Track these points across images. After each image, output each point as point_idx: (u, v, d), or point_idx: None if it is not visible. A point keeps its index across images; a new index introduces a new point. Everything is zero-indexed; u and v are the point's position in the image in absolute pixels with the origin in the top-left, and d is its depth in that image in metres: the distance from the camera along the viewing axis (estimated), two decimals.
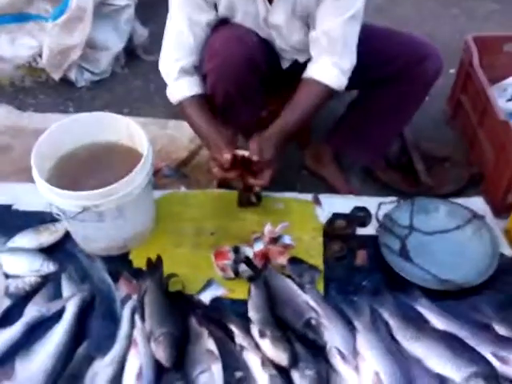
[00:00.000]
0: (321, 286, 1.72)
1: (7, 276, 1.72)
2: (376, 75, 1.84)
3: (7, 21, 2.64)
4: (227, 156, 1.67)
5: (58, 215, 1.70)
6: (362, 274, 1.78)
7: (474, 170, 2.20)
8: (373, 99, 1.93)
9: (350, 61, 1.71)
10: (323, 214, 1.96)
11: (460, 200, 2.00)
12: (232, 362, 1.43)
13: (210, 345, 1.45)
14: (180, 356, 1.42)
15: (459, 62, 2.39)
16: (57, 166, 1.80)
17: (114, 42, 2.81)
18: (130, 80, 2.87)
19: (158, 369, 1.42)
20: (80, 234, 1.78)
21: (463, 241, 1.88)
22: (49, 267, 1.74)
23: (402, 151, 2.29)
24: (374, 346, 1.45)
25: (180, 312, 1.58)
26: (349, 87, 1.76)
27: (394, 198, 2.02)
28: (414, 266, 1.79)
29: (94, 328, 1.54)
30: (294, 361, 1.41)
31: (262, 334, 1.47)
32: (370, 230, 1.92)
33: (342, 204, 1.99)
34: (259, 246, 1.80)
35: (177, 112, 1.96)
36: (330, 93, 1.73)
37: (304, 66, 1.80)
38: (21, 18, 2.65)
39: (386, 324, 1.57)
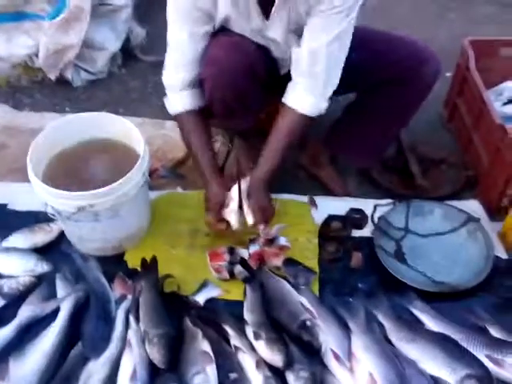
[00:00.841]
0: (316, 288, 1.72)
1: (1, 276, 1.72)
2: (374, 79, 1.85)
3: (4, 19, 2.63)
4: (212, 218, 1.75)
5: (53, 215, 1.69)
6: (357, 275, 1.78)
7: (470, 172, 2.21)
8: (370, 102, 1.93)
9: (330, 85, 1.68)
10: (319, 215, 1.96)
11: (455, 203, 2.00)
12: (227, 364, 1.42)
13: (205, 346, 1.45)
14: (174, 357, 1.42)
15: (456, 66, 2.40)
16: (52, 165, 1.79)
17: (111, 41, 2.81)
18: (127, 80, 2.87)
19: (153, 370, 1.42)
20: (75, 234, 1.77)
21: (458, 243, 1.88)
22: (43, 267, 1.73)
23: (398, 153, 2.30)
24: (369, 347, 1.45)
25: (175, 313, 1.58)
26: (346, 91, 1.76)
27: (389, 201, 2.02)
28: (409, 268, 1.79)
29: (88, 328, 1.53)
30: (289, 362, 1.40)
31: (257, 336, 1.47)
32: (365, 232, 1.92)
33: (338, 206, 1.99)
34: (255, 248, 1.80)
35: None
36: (308, 121, 1.73)
37: None
38: (18, 16, 2.64)
39: (381, 326, 1.57)
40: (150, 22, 2.97)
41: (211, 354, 1.43)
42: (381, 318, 1.60)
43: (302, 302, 1.58)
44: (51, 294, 1.67)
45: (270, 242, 1.82)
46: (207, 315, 1.61)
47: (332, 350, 1.46)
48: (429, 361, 1.44)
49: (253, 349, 1.47)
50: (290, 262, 1.76)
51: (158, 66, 2.81)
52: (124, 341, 1.50)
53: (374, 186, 2.21)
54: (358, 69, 1.71)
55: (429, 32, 2.99)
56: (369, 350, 1.44)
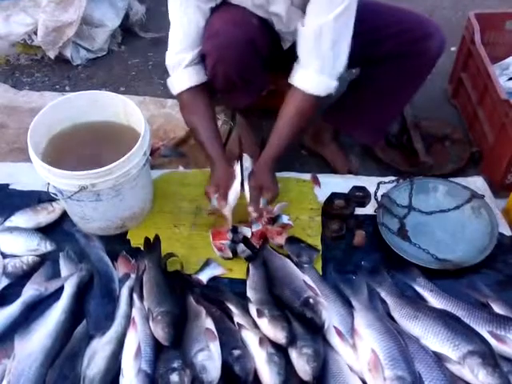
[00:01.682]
0: (319, 266, 1.73)
1: (4, 255, 1.73)
2: (378, 52, 1.81)
3: None
4: (227, 213, 1.73)
5: (55, 195, 1.69)
6: (360, 253, 1.78)
7: (474, 149, 2.19)
8: (374, 77, 1.90)
9: (338, 62, 1.65)
10: (322, 193, 1.95)
11: (459, 179, 1.99)
12: (230, 341, 1.43)
13: (209, 323, 1.46)
14: (178, 334, 1.43)
15: (461, 40, 2.36)
16: (53, 145, 1.79)
17: (110, 18, 2.77)
18: (127, 58, 2.84)
19: (157, 347, 1.43)
20: (77, 213, 1.77)
21: (462, 220, 1.87)
22: (46, 246, 1.74)
23: (401, 130, 2.27)
24: (372, 324, 1.45)
25: (178, 291, 1.59)
26: (350, 65, 1.73)
27: (393, 178, 2.01)
28: (412, 245, 1.79)
29: (92, 307, 1.54)
30: (292, 339, 1.41)
31: (260, 313, 1.48)
32: (368, 209, 1.91)
33: (341, 183, 1.98)
34: (257, 226, 1.80)
35: None
36: (316, 101, 1.70)
37: None
38: None
39: (384, 303, 1.58)
40: None
41: (215, 331, 1.43)
42: (384, 295, 1.60)
43: (305, 279, 1.58)
44: (55, 273, 1.68)
45: (273, 220, 1.82)
46: (210, 293, 1.61)
47: (335, 327, 1.47)
48: (431, 337, 1.44)
49: (256, 326, 1.48)
50: (292, 241, 1.76)
51: (158, 42, 2.81)
52: (128, 319, 1.51)
53: (377, 164, 2.19)
54: (361, 42, 1.67)
55: (433, 5, 2.94)
56: (371, 327, 1.44)
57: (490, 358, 1.35)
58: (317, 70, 1.64)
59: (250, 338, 1.45)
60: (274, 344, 1.42)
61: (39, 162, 1.61)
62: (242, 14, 1.67)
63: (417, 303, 1.57)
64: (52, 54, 2.70)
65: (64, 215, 1.85)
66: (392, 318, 1.54)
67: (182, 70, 1.73)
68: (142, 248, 1.74)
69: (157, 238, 1.75)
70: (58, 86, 2.65)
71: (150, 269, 1.63)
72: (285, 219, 1.83)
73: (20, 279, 1.66)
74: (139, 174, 1.69)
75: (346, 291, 1.60)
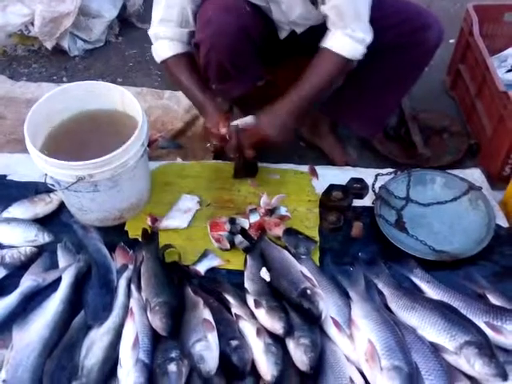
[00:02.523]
0: (316, 257, 1.73)
1: (2, 246, 1.72)
2: (375, 44, 1.81)
3: None
4: (223, 130, 1.67)
5: (53, 186, 1.69)
6: (357, 245, 1.78)
7: (472, 141, 2.19)
8: (372, 69, 1.90)
9: (363, 30, 1.66)
10: (319, 185, 1.95)
11: (457, 171, 1.99)
12: (228, 331, 1.43)
13: (206, 314, 1.46)
14: (176, 325, 1.43)
15: (459, 31, 2.35)
16: (50, 135, 1.78)
17: (107, 9, 2.76)
18: (125, 49, 2.83)
19: (155, 338, 1.43)
20: (75, 204, 1.77)
21: (459, 212, 1.88)
22: (44, 237, 1.73)
23: (399, 122, 2.27)
24: (369, 315, 1.46)
25: (176, 282, 1.59)
26: None
27: (390, 170, 2.01)
28: (409, 237, 1.79)
29: (90, 298, 1.54)
30: (289, 330, 1.42)
31: (258, 304, 1.48)
32: (366, 201, 1.91)
33: (339, 175, 1.98)
34: (255, 218, 1.80)
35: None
36: (344, 63, 1.69)
37: (302, 36, 1.77)
38: None
39: (381, 294, 1.58)
40: None
41: (212, 321, 1.44)
42: (381, 286, 1.61)
43: (303, 270, 1.59)
44: (53, 264, 1.68)
45: (271, 211, 1.83)
46: (208, 284, 1.62)
47: (332, 318, 1.47)
48: (428, 328, 1.45)
49: (253, 317, 1.48)
50: (290, 232, 1.76)
51: None
52: (126, 309, 1.52)
53: (375, 156, 2.19)
54: None
55: None
56: (368, 318, 1.44)
57: (486, 348, 1.35)
58: (342, 35, 1.65)
59: (247, 328, 1.45)
60: (272, 334, 1.42)
61: (36, 153, 1.60)
62: (233, 1, 1.67)
63: (414, 294, 1.58)
64: (49, 45, 2.69)
65: (62, 206, 1.85)
66: (389, 309, 1.54)
67: (168, 40, 1.77)
68: (140, 239, 1.75)
69: (154, 229, 1.75)
70: (55, 77, 2.64)
71: (148, 260, 1.63)
72: (283, 211, 1.83)
73: (18, 270, 1.65)
74: (137, 165, 1.69)
75: (343, 282, 1.61)
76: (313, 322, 1.45)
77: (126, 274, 1.62)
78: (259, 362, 1.37)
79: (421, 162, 2.10)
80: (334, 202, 1.86)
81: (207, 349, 1.35)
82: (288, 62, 2.03)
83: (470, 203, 1.88)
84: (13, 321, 1.48)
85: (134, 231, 1.79)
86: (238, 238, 1.73)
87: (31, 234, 1.73)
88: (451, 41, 2.48)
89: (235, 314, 1.50)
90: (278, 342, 1.41)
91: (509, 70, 2.26)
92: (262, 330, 1.43)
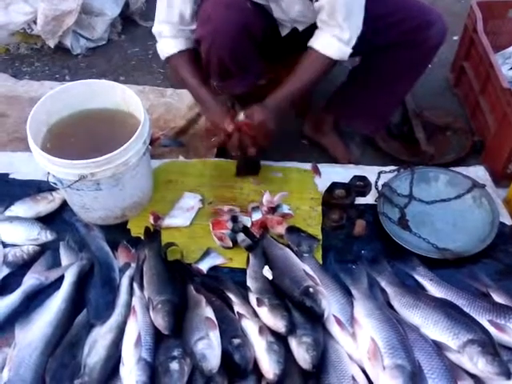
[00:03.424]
0: (319, 255, 1.72)
1: (5, 245, 1.73)
2: (379, 41, 1.80)
3: None
4: (230, 126, 1.69)
5: (55, 184, 1.69)
6: (360, 243, 1.78)
7: (476, 138, 2.18)
8: (375, 66, 1.89)
9: (353, 30, 1.66)
10: (322, 183, 1.94)
11: (461, 169, 1.98)
12: (230, 330, 1.43)
13: (208, 312, 1.46)
14: (178, 323, 1.43)
15: (463, 28, 2.34)
16: (53, 134, 1.78)
17: (109, 7, 2.76)
18: (127, 47, 2.83)
19: (157, 336, 1.43)
20: (77, 203, 1.77)
21: (463, 210, 1.87)
22: (46, 236, 1.74)
23: (402, 120, 2.26)
24: (371, 313, 1.45)
25: (178, 280, 1.59)
26: (351, 53, 1.73)
27: (393, 167, 2.00)
28: (412, 234, 1.78)
29: (93, 296, 1.54)
30: (292, 328, 1.41)
31: (260, 303, 1.48)
32: (369, 199, 1.91)
33: (342, 173, 1.98)
34: (257, 216, 1.80)
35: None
36: (330, 63, 1.70)
37: (304, 34, 1.76)
38: None
39: (384, 292, 1.58)
40: None
41: (215, 320, 1.43)
42: (384, 284, 1.60)
43: (305, 269, 1.58)
44: (55, 263, 1.68)
45: (273, 209, 1.82)
46: (210, 283, 1.62)
47: (334, 316, 1.47)
48: (431, 326, 1.44)
49: (256, 315, 1.48)
50: (292, 230, 1.75)
51: None
52: (128, 308, 1.52)
53: (379, 153, 2.18)
54: (362, 30, 1.66)
55: None
56: (371, 316, 1.44)
57: (489, 346, 1.35)
58: (334, 36, 1.66)
59: (249, 326, 1.45)
60: (274, 333, 1.42)
61: (38, 151, 1.60)
62: None
63: (417, 292, 1.57)
64: (52, 43, 2.69)
65: (64, 205, 1.85)
66: (392, 308, 1.54)
67: (172, 38, 1.77)
68: (142, 237, 1.75)
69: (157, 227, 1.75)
70: (57, 76, 2.64)
71: (150, 258, 1.63)
72: (285, 209, 1.83)
73: (20, 268, 1.66)
74: (139, 163, 1.69)
75: (345, 280, 1.60)
76: (315, 320, 1.44)
77: (128, 273, 1.62)
78: (261, 361, 1.36)
79: (424, 160, 2.09)
80: (337, 199, 1.86)
81: (209, 347, 1.34)
82: (290, 60, 2.02)
83: (473, 201, 1.87)
84: (15, 319, 1.49)
85: (137, 229, 1.79)
86: (241, 236, 1.73)
87: (34, 233, 1.74)
88: (455, 38, 2.47)
89: (237, 312, 1.50)
90: (280, 340, 1.41)
91: None
92: (264, 329, 1.43)
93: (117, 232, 1.80)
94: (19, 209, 1.82)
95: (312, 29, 1.74)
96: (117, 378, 1.35)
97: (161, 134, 2.18)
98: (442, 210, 1.88)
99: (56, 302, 1.52)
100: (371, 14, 1.71)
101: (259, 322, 1.45)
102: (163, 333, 1.42)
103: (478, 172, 1.99)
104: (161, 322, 1.43)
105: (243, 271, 1.64)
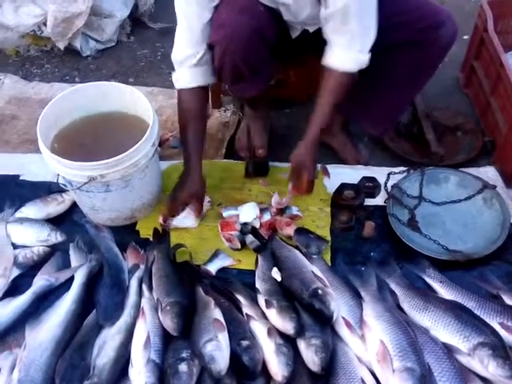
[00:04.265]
0: (328, 257, 1.72)
1: (15, 246, 1.74)
2: (388, 41, 1.78)
3: None
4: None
5: (65, 186, 1.70)
6: (369, 244, 1.77)
7: (486, 138, 2.16)
8: (385, 66, 1.87)
9: (368, 36, 1.63)
10: (331, 184, 1.94)
11: (471, 170, 1.97)
12: (238, 331, 1.43)
13: (217, 314, 1.46)
14: (187, 325, 1.43)
15: (473, 28, 2.32)
16: (63, 136, 1.79)
17: (119, 8, 2.77)
18: (136, 49, 2.84)
19: (166, 337, 1.44)
20: (87, 204, 1.78)
21: (473, 211, 1.85)
22: (56, 237, 1.75)
23: (412, 120, 2.25)
24: (380, 315, 1.44)
25: (187, 282, 1.59)
26: None
27: (403, 168, 1.99)
28: (422, 236, 1.77)
29: (102, 297, 1.55)
30: (300, 330, 1.41)
31: (269, 304, 1.48)
32: (378, 200, 1.90)
33: (351, 174, 1.97)
34: (266, 217, 1.80)
35: None
36: (351, 78, 1.68)
37: (314, 35, 1.75)
38: None
39: (393, 294, 1.57)
40: None
41: (223, 321, 1.43)
42: (393, 286, 1.59)
43: (314, 270, 1.58)
44: (65, 264, 1.69)
45: (282, 211, 1.82)
46: (219, 284, 1.62)
47: (343, 318, 1.46)
48: (441, 329, 1.43)
49: (264, 317, 1.48)
50: (301, 231, 1.75)
51: (167, 33, 2.80)
52: (137, 309, 1.52)
53: (388, 154, 2.17)
54: None
55: None
56: (380, 318, 1.43)
57: (500, 349, 1.34)
58: (347, 47, 1.63)
59: (258, 328, 1.45)
60: (283, 335, 1.42)
61: (48, 153, 1.62)
62: (247, 3, 1.65)
63: (426, 294, 1.56)
64: (61, 45, 2.71)
65: (74, 206, 1.86)
66: (401, 310, 1.53)
67: (188, 69, 1.72)
68: (151, 239, 1.75)
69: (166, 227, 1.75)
70: (67, 78, 2.66)
71: (159, 259, 1.64)
72: (294, 210, 1.82)
73: (31, 269, 1.67)
74: (148, 164, 1.69)
75: (354, 282, 1.60)
76: (324, 322, 1.44)
77: (137, 274, 1.63)
78: (270, 363, 1.36)
79: (434, 161, 2.07)
80: (346, 201, 1.85)
81: (218, 349, 1.34)
82: (300, 61, 2.02)
83: (484, 202, 1.86)
84: (26, 320, 1.50)
85: (146, 231, 1.80)
86: (249, 238, 1.73)
87: (44, 234, 1.75)
88: (465, 37, 2.45)
89: (246, 314, 1.50)
90: (289, 342, 1.41)
91: None
92: (272, 331, 1.43)
93: (126, 233, 1.81)
94: (29, 210, 1.83)
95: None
96: (126, 379, 1.36)
97: (170, 135, 2.19)
98: (452, 211, 1.86)
99: (66, 303, 1.53)
100: (381, 13, 1.70)
101: (268, 324, 1.45)
102: (172, 334, 1.42)
103: (489, 173, 1.97)
104: (169, 323, 1.43)
105: (252, 273, 1.64)
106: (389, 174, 1.97)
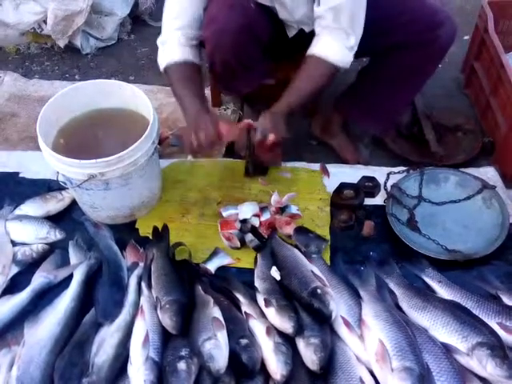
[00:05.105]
0: (327, 256, 1.72)
1: (14, 243, 1.74)
2: (387, 41, 1.79)
3: None
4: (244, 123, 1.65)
5: (64, 183, 1.70)
6: (368, 244, 1.77)
7: (486, 139, 2.16)
8: (384, 66, 1.88)
9: (356, 35, 1.64)
10: (331, 183, 1.94)
11: (471, 170, 1.97)
12: (237, 330, 1.43)
13: (216, 313, 1.46)
14: (186, 323, 1.43)
15: (474, 28, 2.32)
16: (62, 133, 1.79)
17: (119, 6, 2.76)
18: (137, 47, 2.84)
19: (165, 336, 1.44)
20: (86, 202, 1.78)
21: (473, 211, 1.85)
22: (56, 235, 1.75)
23: (412, 120, 2.25)
24: (379, 315, 1.44)
25: (186, 280, 1.59)
26: (360, 54, 1.72)
27: (403, 168, 1.99)
28: (421, 236, 1.77)
29: (101, 295, 1.55)
30: (299, 329, 1.41)
31: (268, 303, 1.48)
32: (378, 200, 1.90)
33: (351, 173, 1.97)
34: (266, 216, 1.80)
35: None
36: (334, 70, 1.67)
37: (311, 34, 1.75)
38: None
39: (392, 294, 1.57)
40: None
41: (222, 320, 1.43)
42: (392, 286, 1.59)
43: (313, 270, 1.58)
44: (64, 262, 1.69)
45: (281, 210, 1.82)
46: (218, 283, 1.62)
47: (342, 317, 1.46)
48: (440, 328, 1.43)
49: (263, 316, 1.48)
50: (301, 231, 1.75)
51: None
52: (136, 307, 1.52)
53: (388, 154, 2.17)
54: (371, 30, 1.66)
55: None
56: (379, 318, 1.43)
57: (498, 349, 1.34)
58: (335, 41, 1.64)
59: (257, 327, 1.45)
60: (282, 334, 1.42)
61: (48, 151, 1.61)
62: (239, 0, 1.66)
63: (425, 294, 1.56)
64: (62, 43, 2.70)
65: (73, 204, 1.86)
66: (400, 309, 1.53)
67: (178, 46, 1.72)
68: (151, 237, 1.75)
69: (165, 227, 1.75)
70: (67, 75, 2.66)
71: (159, 258, 1.64)
72: (293, 209, 1.82)
73: (30, 267, 1.67)
74: (148, 163, 1.69)
75: (354, 282, 1.60)
76: (323, 321, 1.44)
77: (136, 272, 1.63)
78: (269, 361, 1.36)
79: (434, 161, 2.07)
80: (346, 200, 1.85)
81: (217, 347, 1.34)
82: (298, 60, 2.01)
83: (483, 202, 1.86)
84: (24, 318, 1.49)
85: (145, 229, 1.80)
86: (249, 237, 1.73)
87: (43, 232, 1.75)
88: (466, 37, 2.45)
89: (245, 312, 1.50)
90: (287, 341, 1.41)
91: None
92: (271, 329, 1.43)
93: (125, 231, 1.81)
94: (29, 208, 1.83)
95: None
96: (125, 377, 1.36)
97: (170, 133, 2.19)
98: (451, 211, 1.86)
99: (64, 301, 1.53)
100: (382, 13, 1.70)
101: (267, 323, 1.45)
102: (171, 332, 1.42)
103: (489, 173, 1.98)
104: (168, 321, 1.43)
105: (251, 271, 1.64)
106: (388, 174, 1.97)
